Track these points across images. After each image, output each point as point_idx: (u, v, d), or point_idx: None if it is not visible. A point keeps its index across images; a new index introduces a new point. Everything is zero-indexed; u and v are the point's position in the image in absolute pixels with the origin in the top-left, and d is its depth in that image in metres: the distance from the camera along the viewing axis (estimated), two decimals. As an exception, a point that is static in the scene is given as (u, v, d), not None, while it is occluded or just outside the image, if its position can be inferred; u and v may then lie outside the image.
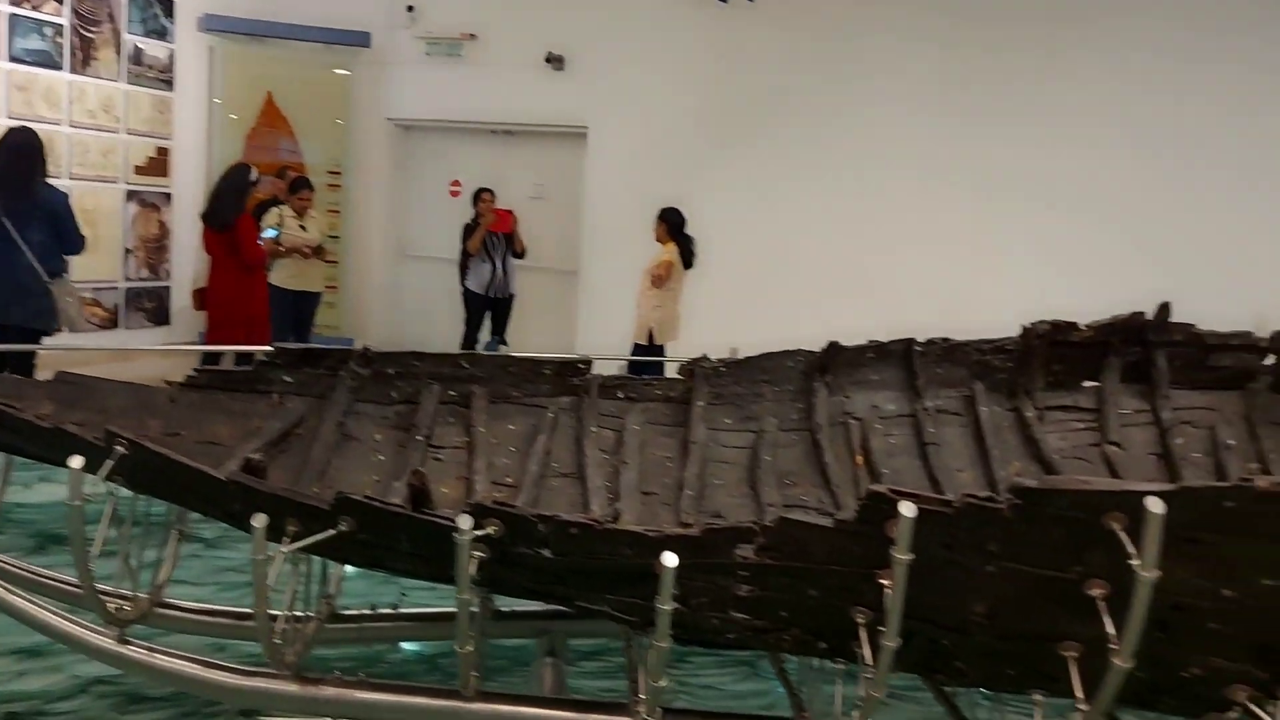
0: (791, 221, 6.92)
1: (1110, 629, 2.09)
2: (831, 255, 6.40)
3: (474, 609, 2.74)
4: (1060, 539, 2.14)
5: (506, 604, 3.69)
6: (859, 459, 3.87)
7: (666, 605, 2.25)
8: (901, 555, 2.10)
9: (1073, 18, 6.03)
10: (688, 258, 7.95)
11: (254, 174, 8.09)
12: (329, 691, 2.70)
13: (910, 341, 4.09)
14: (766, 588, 2.40)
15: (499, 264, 9.32)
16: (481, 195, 9.28)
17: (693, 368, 3.86)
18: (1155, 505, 1.95)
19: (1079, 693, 2.19)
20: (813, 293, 5.98)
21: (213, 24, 10.04)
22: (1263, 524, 2.05)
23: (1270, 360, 4.00)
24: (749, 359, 3.97)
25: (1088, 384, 4.10)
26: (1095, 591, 2.14)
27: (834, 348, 3.97)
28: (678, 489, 3.49)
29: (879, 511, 2.18)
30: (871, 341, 4.09)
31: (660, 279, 7.74)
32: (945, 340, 4.11)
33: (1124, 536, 2.04)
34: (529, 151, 10.67)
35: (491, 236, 9.24)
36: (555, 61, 9.90)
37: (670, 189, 8.19)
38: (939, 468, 3.86)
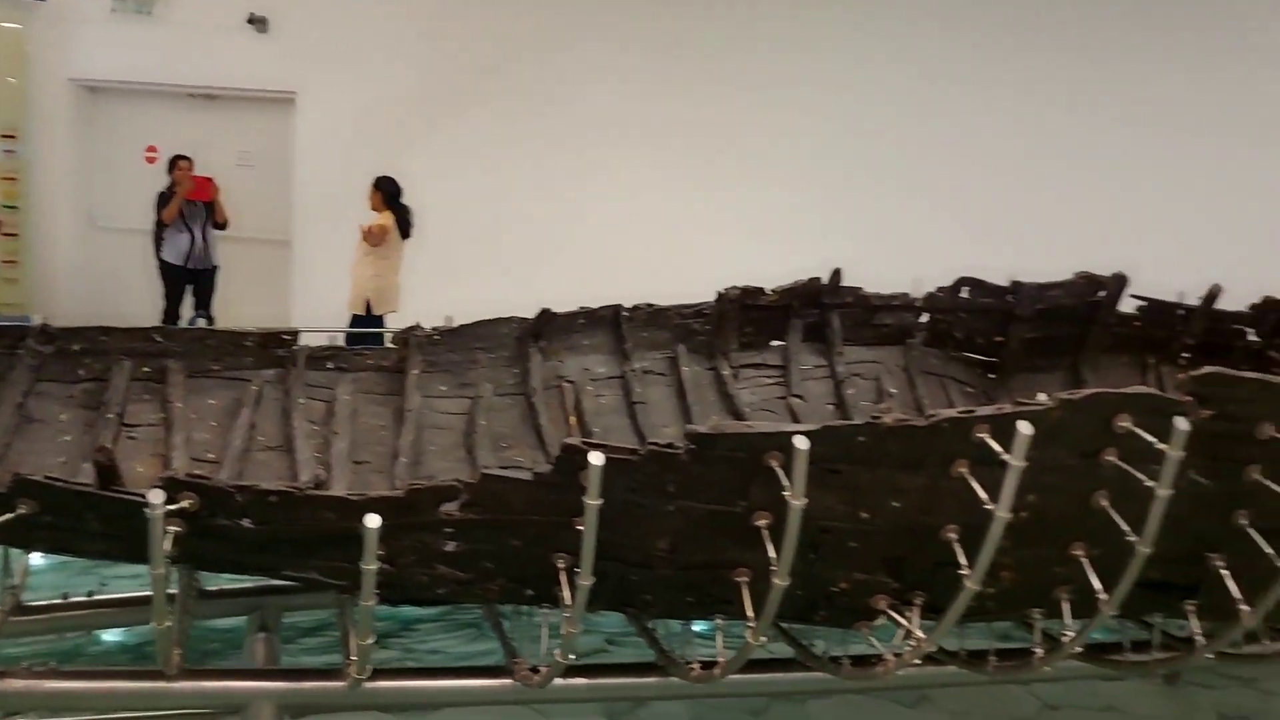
0: (508, 191, 7.04)
1: (772, 554, 2.37)
2: (546, 224, 6.57)
3: (172, 589, 2.68)
4: (729, 478, 2.39)
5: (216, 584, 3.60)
6: (572, 420, 4.06)
7: (371, 565, 2.31)
8: (592, 501, 2.27)
9: (780, 11, 6.53)
10: (404, 227, 7.88)
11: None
12: (16, 684, 2.54)
13: (618, 307, 4.32)
14: (471, 541, 2.51)
15: (198, 234, 8.80)
16: (178, 162, 8.71)
17: (406, 336, 3.89)
18: (801, 443, 2.24)
19: (749, 612, 2.46)
20: (529, 261, 6.14)
21: None
22: (889, 454, 2.39)
23: (925, 318, 4.58)
24: (464, 326, 4.05)
25: (775, 343, 4.51)
26: (760, 522, 2.41)
27: (546, 314, 4.13)
28: (392, 457, 3.52)
29: (572, 463, 2.33)
30: (582, 308, 4.28)
31: (372, 235, 7.62)
32: (650, 306, 4.38)
33: (780, 472, 2.31)
34: (233, 117, 10.09)
35: (190, 205, 8.70)
36: (258, 23, 9.41)
37: (386, 158, 8.05)
38: (646, 425, 4.12)
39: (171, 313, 8.89)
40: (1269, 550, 2.55)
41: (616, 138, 6.19)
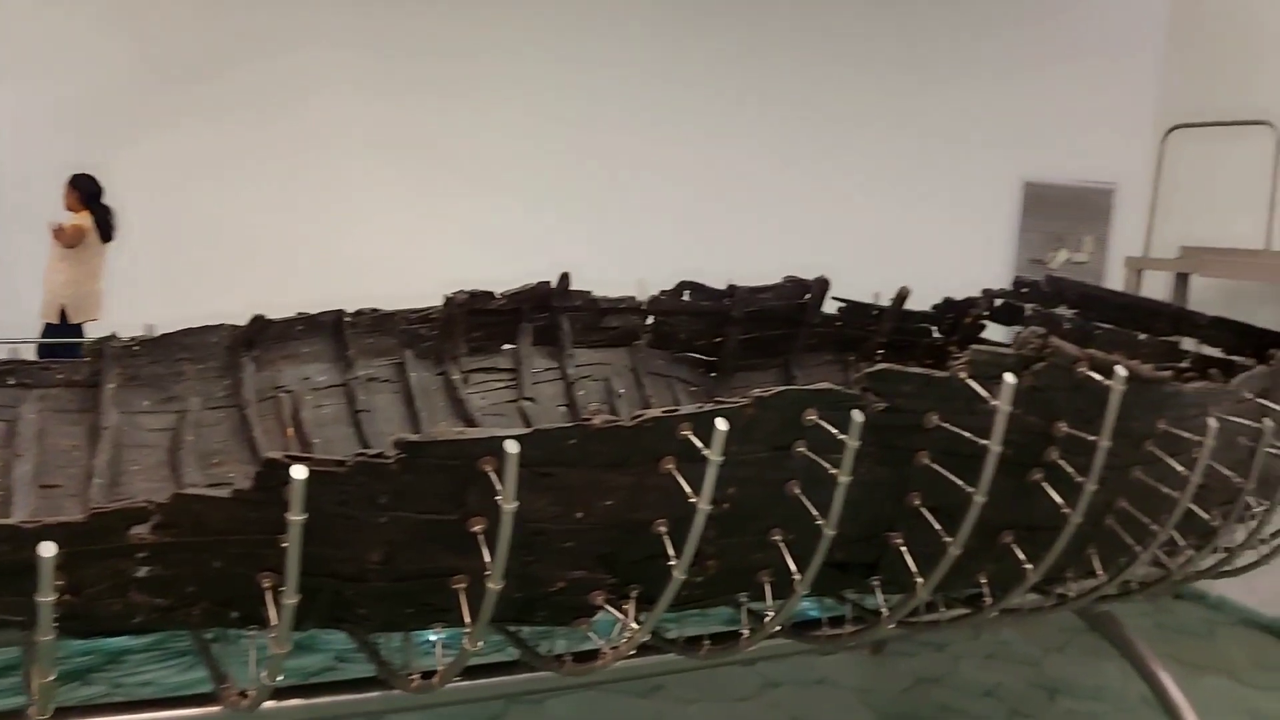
0: (224, 191, 6.64)
1: (489, 559, 2.38)
2: (264, 227, 6.25)
3: None
4: (443, 485, 2.38)
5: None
6: (289, 432, 3.90)
7: (46, 597, 2.12)
8: (295, 517, 2.19)
9: (505, 13, 6.53)
10: (106, 229, 7.27)
11: None
12: None
13: (340, 313, 4.19)
14: (169, 565, 2.35)
15: None
16: None
17: (100, 348, 3.61)
18: (511, 446, 2.26)
19: (468, 618, 2.46)
20: (245, 266, 5.81)
21: None
22: (599, 455, 2.46)
23: (650, 321, 4.76)
24: (167, 335, 3.80)
25: (505, 347, 4.54)
26: (475, 527, 2.40)
27: (260, 321, 3.94)
28: (87, 479, 3.26)
29: (275, 477, 2.24)
30: (300, 314, 4.12)
31: (64, 236, 7.00)
32: (374, 311, 4.28)
33: (493, 476, 2.32)
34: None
35: None
36: (-77, 2, 8.38)
37: (85, 155, 7.38)
38: (371, 434, 4.03)
39: None
40: (938, 527, 2.84)
41: (340, 138, 6.00)
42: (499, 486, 2.31)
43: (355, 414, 4.04)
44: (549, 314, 4.59)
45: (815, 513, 2.63)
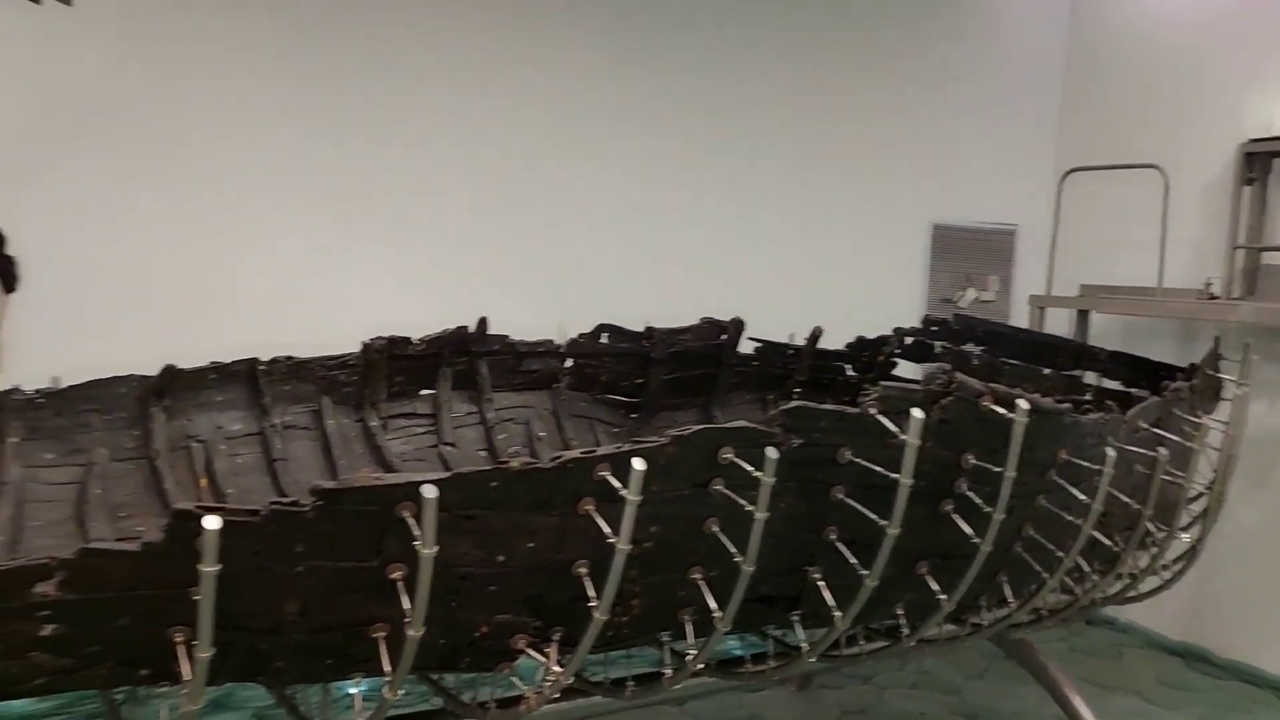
0: (129, 238, 6.50)
1: (407, 605, 2.36)
2: (173, 274, 6.12)
3: None
4: (360, 532, 2.35)
5: None
6: (203, 482, 3.82)
7: (-64, 662, 2.04)
8: (207, 568, 2.14)
9: (418, 40, 6.57)
10: (9, 280, 7.05)
11: None
12: None
13: (254, 361, 4.14)
14: (73, 624, 2.28)
15: None
16: None
17: (1, 401, 3.50)
18: (429, 491, 2.25)
19: (387, 667, 2.43)
20: (157, 314, 5.68)
21: None
22: (520, 497, 2.47)
23: (570, 363, 4.78)
24: (73, 388, 3.71)
25: (425, 392, 4.51)
26: (395, 574, 2.38)
27: (170, 370, 3.88)
28: (-15, 537, 3.14)
29: (185, 529, 2.19)
30: (213, 363, 4.06)
31: None
32: (290, 358, 4.24)
33: (412, 522, 2.31)
34: None
35: None
36: None
37: (-13, 202, 7.19)
38: (288, 482, 3.96)
39: None
40: (853, 560, 2.90)
41: (252, 181, 5.91)
42: (417, 532, 2.30)
43: (271, 463, 3.97)
44: (468, 358, 4.58)
45: (733, 549, 2.67)
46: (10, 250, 7.12)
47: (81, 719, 4.29)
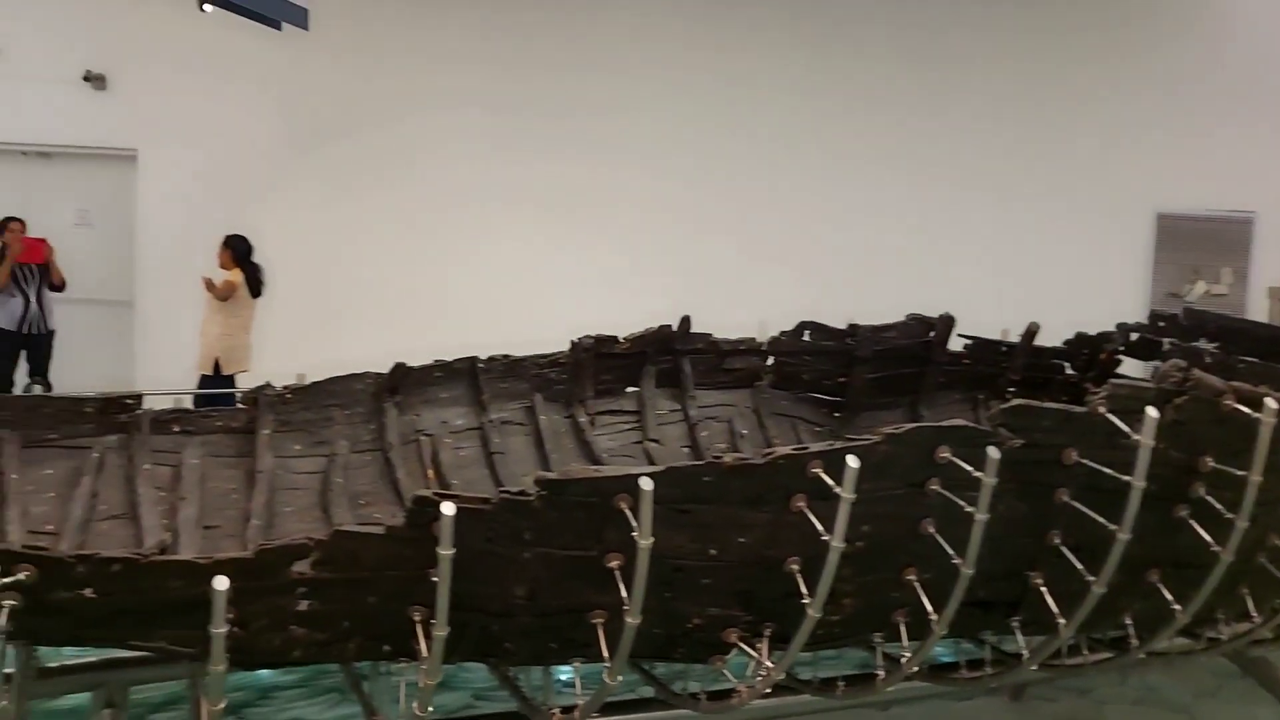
0: (361, 247, 7.00)
1: (625, 594, 2.44)
2: (400, 280, 6.54)
3: (9, 668, 2.56)
4: (582, 522, 2.46)
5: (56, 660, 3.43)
6: (430, 473, 4.05)
7: (220, 629, 2.27)
8: (445, 551, 2.29)
9: (617, 52, 6.73)
10: (255, 285, 7.74)
11: None
12: None
13: (474, 360, 4.35)
14: (326, 601, 2.49)
15: (33, 298, 8.42)
16: (9, 225, 8.33)
17: (256, 396, 3.83)
18: (646, 484, 2.33)
19: (606, 653, 2.52)
20: (384, 317, 6.09)
21: None
22: (732, 492, 2.51)
23: (770, 361, 4.78)
24: (317, 384, 4.00)
25: (630, 390, 4.62)
26: (612, 563, 2.47)
27: (401, 368, 4.12)
28: (244, 520, 3.44)
29: (425, 515, 2.36)
30: (438, 361, 4.30)
31: (216, 289, 7.48)
32: (506, 357, 4.43)
33: (629, 513, 2.39)
34: (70, 175, 9.70)
35: (23, 269, 8.33)
36: (95, 80, 9.13)
37: (235, 215, 7.91)
38: (505, 475, 4.14)
39: (4, 380, 8.43)
40: (1079, 566, 2.77)
41: (467, 193, 6.27)
42: (634, 523, 2.38)
43: (490, 455, 4.16)
44: (672, 357, 4.64)
45: (951, 551, 2.61)
46: (257, 259, 7.82)
47: (321, 692, 4.64)
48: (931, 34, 6.18)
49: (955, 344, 4.88)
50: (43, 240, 8.45)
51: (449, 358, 4.36)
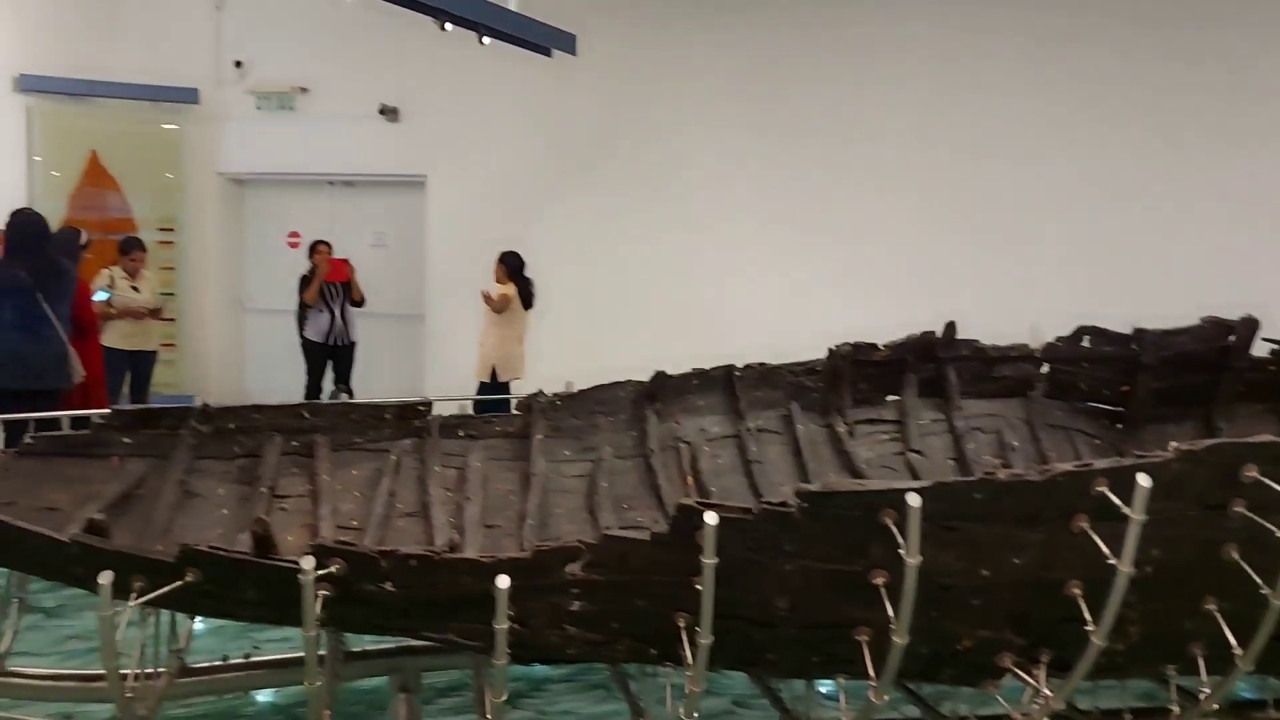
0: (622, 258, 7.31)
1: (891, 612, 2.39)
2: (659, 288, 6.77)
3: (321, 651, 2.85)
4: (845, 536, 2.43)
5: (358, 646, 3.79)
6: (689, 480, 4.14)
7: (502, 625, 2.44)
8: (708, 560, 2.35)
9: (866, 53, 6.61)
10: (527, 298, 8.23)
11: (84, 237, 7.90)
12: (182, 742, 2.76)
13: (730, 368, 4.41)
14: (597, 602, 2.60)
15: (337, 313, 9.34)
16: (317, 247, 9.30)
17: (529, 403, 4.07)
18: (914, 500, 2.27)
19: (870, 671, 2.49)
20: (644, 326, 6.30)
21: (30, 84, 9.71)
22: (1006, 510, 2.40)
23: (1045, 369, 4.51)
24: (583, 391, 4.20)
25: (890, 398, 4.51)
26: (877, 580, 2.43)
27: (661, 376, 4.25)
28: (520, 520, 3.66)
29: (688, 523, 2.42)
30: (695, 369, 4.39)
31: (492, 301, 8.00)
32: (762, 365, 4.45)
33: (894, 529, 2.34)
34: (368, 200, 10.71)
35: (329, 286, 9.26)
36: (389, 113, 10.03)
37: (509, 232, 8.44)
38: (763, 484, 4.16)
39: (313, 387, 9.39)
40: None
41: (722, 206, 6.37)
42: (901, 539, 2.33)
43: (747, 464, 4.19)
44: (935, 364, 4.49)
45: (1259, 580, 2.37)
46: (529, 273, 8.31)
47: (589, 688, 4.84)
48: (1183, 28, 5.60)
49: (1261, 349, 4.41)
50: (345, 260, 9.37)
51: (706, 365, 4.44)
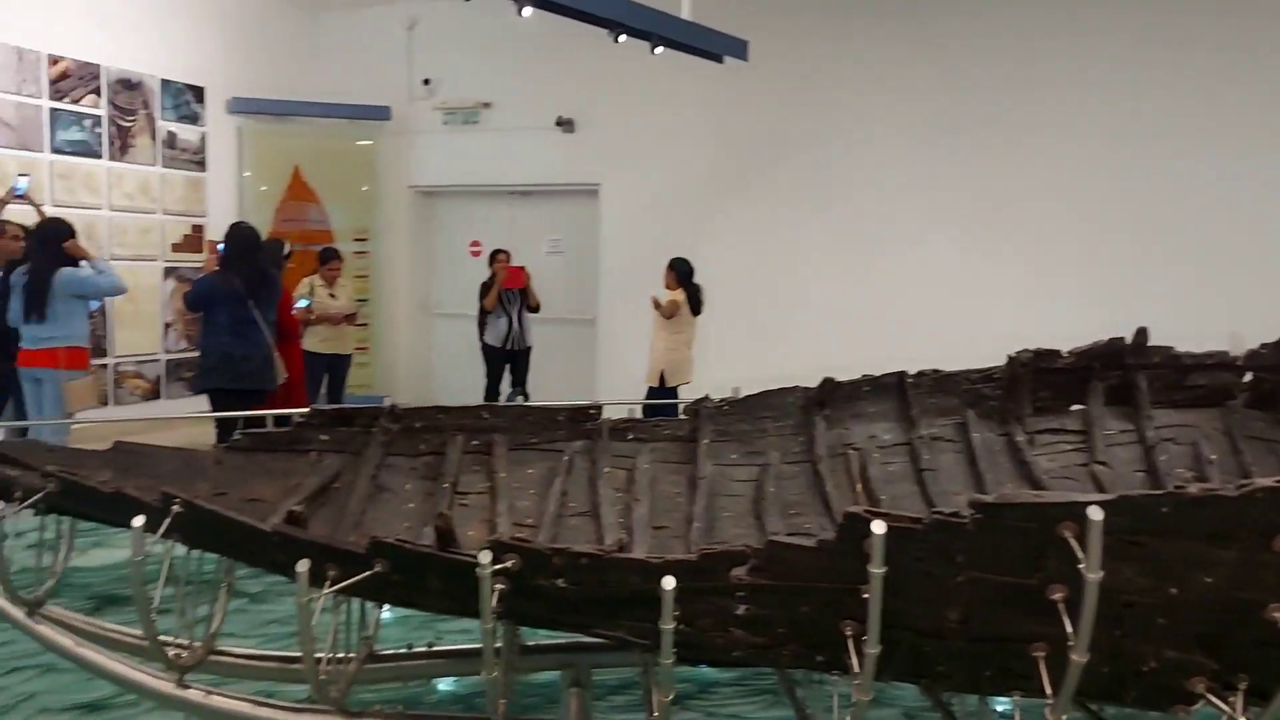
0: (792, 265, 7.25)
1: (1070, 629, 2.30)
2: (828, 294, 6.68)
3: (498, 643, 2.98)
4: (1020, 549, 2.35)
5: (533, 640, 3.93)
6: (858, 487, 4.08)
7: (668, 625, 2.49)
8: (876, 569, 2.32)
9: (1047, 52, 6.33)
10: (695, 305, 8.31)
11: (287, 247, 8.52)
12: (371, 725, 2.94)
13: (902, 374, 4.32)
14: (763, 606, 2.62)
15: (514, 318, 9.69)
16: (497, 255, 9.69)
17: (697, 408, 4.12)
18: (1095, 513, 2.18)
19: (1048, 689, 2.40)
20: (813, 332, 6.23)
21: (240, 106, 10.55)
22: (1196, 526, 2.26)
23: (1247, 378, 4.21)
24: (750, 397, 4.22)
25: (1074, 408, 4.31)
26: (1055, 595, 2.34)
27: (830, 383, 4.21)
28: (687, 522, 3.71)
29: (855, 530, 2.40)
30: (865, 376, 4.33)
31: (661, 308, 8.10)
32: (936, 372, 4.34)
33: (1074, 543, 2.25)
34: (545, 210, 11.07)
35: (507, 293, 9.62)
36: (565, 125, 10.36)
37: (679, 239, 8.56)
38: (936, 493, 4.06)
39: (492, 389, 9.79)
40: None
41: (895, 209, 6.23)
42: (1080, 554, 2.23)
43: (919, 472, 4.10)
44: (1123, 372, 4.25)
45: None
46: (697, 280, 8.40)
47: (757, 692, 4.85)
48: None
49: None
50: (522, 268, 9.72)
51: (877, 372, 4.37)
